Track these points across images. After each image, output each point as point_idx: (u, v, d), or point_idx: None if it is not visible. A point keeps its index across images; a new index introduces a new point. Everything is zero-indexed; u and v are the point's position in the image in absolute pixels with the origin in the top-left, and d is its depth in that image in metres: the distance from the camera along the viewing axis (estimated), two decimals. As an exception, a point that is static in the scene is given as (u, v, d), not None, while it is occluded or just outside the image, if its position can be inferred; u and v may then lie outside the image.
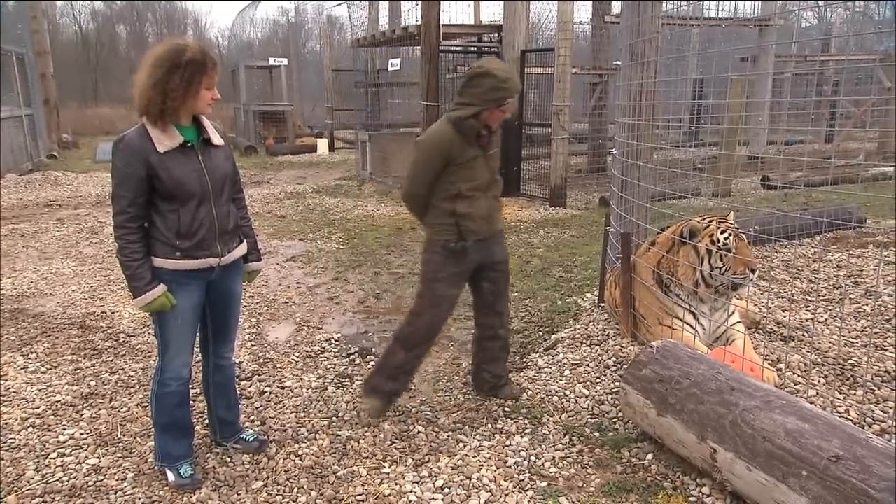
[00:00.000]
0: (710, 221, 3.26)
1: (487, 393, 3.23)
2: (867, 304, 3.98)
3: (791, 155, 9.85)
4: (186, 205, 2.30)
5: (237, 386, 3.17)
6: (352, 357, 3.83)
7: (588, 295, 4.68)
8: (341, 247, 6.51)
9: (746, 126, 9.08)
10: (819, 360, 3.26)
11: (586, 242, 6.46)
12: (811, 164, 8.60)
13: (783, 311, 3.99)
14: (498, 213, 2.95)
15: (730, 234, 3.17)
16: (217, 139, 2.42)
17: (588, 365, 3.50)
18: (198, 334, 2.56)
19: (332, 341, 4.05)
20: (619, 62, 4.26)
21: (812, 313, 3.92)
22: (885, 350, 3.33)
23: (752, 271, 3.13)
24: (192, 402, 2.77)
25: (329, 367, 3.69)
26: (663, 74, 4.35)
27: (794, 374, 3.13)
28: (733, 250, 3.15)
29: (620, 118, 4.21)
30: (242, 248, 2.59)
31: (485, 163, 2.82)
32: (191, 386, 2.63)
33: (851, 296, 4.17)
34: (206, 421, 2.87)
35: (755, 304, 4.05)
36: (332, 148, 16.62)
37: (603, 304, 4.33)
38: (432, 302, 2.89)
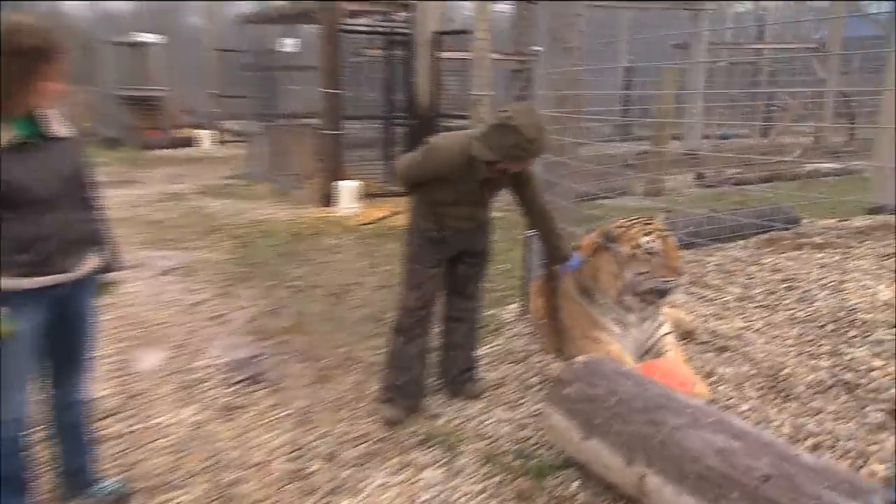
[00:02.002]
0: (634, 223, 3.39)
1: (450, 387, 3.52)
2: (802, 310, 4.26)
3: (726, 150, 10.42)
4: (26, 212, 2.17)
5: (93, 426, 3.02)
6: (238, 386, 3.74)
7: (510, 306, 4.77)
8: (229, 257, 6.37)
9: (679, 120, 9.55)
10: (753, 371, 3.46)
11: (509, 247, 6.58)
12: (746, 160, 9.14)
13: (717, 320, 4.21)
14: (484, 211, 3.29)
15: (655, 237, 3.31)
16: (62, 130, 2.29)
17: (509, 385, 3.56)
18: (41, 366, 2.42)
19: (216, 368, 3.95)
20: (539, 48, 4.38)
21: (747, 321, 4.16)
22: (819, 358, 3.58)
23: (679, 275, 3.28)
24: (33, 449, 2.61)
25: (210, 398, 3.59)
26: (589, 62, 4.50)
27: (727, 387, 3.31)
28: (659, 254, 3.28)
29: (542, 110, 4.32)
30: (96, 259, 2.46)
31: (481, 192, 3.15)
32: (34, 429, 2.48)
33: (786, 301, 4.45)
34: (54, 470, 2.71)
35: (688, 313, 4.24)
36: (218, 141, 16.22)
37: (527, 317, 4.42)
38: (413, 283, 3.26)
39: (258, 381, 3.78)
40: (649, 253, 3.28)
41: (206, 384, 3.76)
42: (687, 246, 5.64)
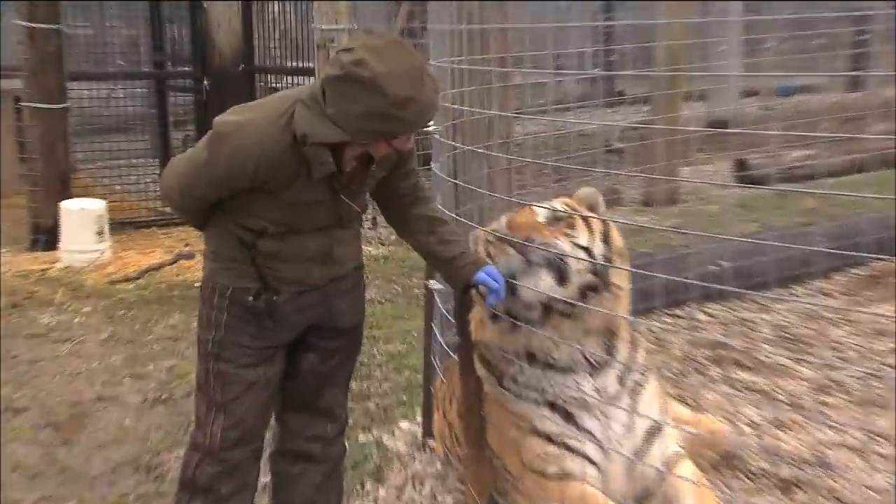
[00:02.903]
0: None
1: None
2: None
3: (787, 116, 10.76)
4: None
5: None
6: None
7: (404, 424, 4.80)
8: None
9: (699, 69, 9.84)
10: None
11: (400, 312, 6.61)
12: (824, 133, 9.47)
13: (780, 429, 4.34)
14: (350, 247, 3.33)
15: (508, 216, 3.57)
16: None
17: (404, 578, 3.56)
18: None
19: None
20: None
21: (834, 430, 4.30)
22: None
23: (521, 249, 3.39)
24: None
25: None
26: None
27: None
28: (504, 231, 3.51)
29: (436, 59, 4.40)
30: None
31: (332, 203, 3.14)
32: None
33: (901, 389, 4.64)
34: None
35: (722, 418, 4.36)
36: None
37: (432, 442, 4.44)
38: (219, 398, 3.19)
39: None
40: (499, 239, 3.51)
41: None
42: (719, 296, 5.82)
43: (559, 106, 8.32)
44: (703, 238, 6.01)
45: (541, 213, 3.50)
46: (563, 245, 3.38)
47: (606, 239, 3.51)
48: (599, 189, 6.74)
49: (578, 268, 3.38)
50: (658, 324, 5.58)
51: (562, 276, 3.37)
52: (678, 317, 5.67)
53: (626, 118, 10.55)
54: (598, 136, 9.49)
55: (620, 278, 3.50)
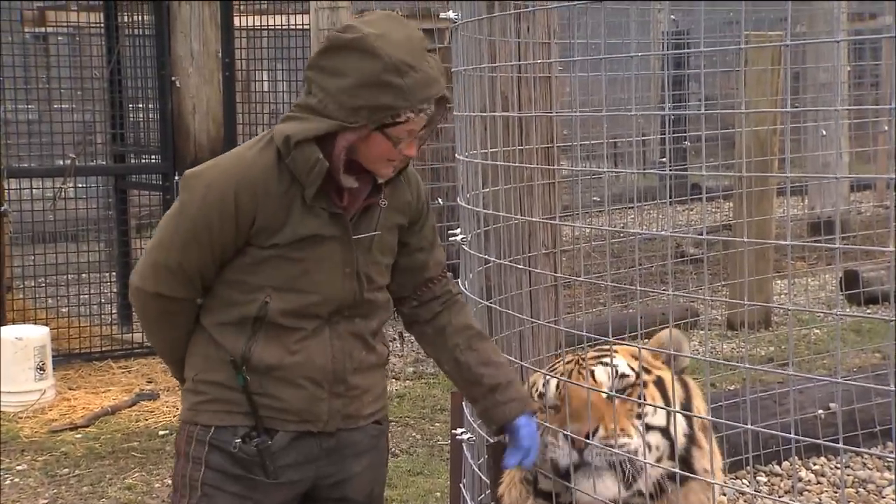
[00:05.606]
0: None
1: None
2: None
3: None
4: None
5: None
6: None
7: None
8: None
9: (795, 159, 9.76)
10: None
11: (419, 467, 6.60)
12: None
13: None
14: (369, 376, 3.34)
15: (557, 379, 3.51)
16: None
17: None
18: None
19: None
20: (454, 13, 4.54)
21: None
22: None
23: (578, 445, 3.28)
24: None
25: None
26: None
27: None
28: (557, 405, 3.47)
29: (463, 152, 4.39)
30: None
31: (342, 251, 3.19)
32: None
33: None
34: None
35: None
36: None
37: None
38: None
39: None
40: (549, 407, 3.47)
41: None
42: (828, 449, 5.72)
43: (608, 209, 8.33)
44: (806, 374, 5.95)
45: (605, 382, 3.43)
46: (634, 442, 3.30)
47: (688, 407, 3.47)
48: (671, 309, 6.71)
49: (654, 455, 3.32)
50: (748, 485, 5.49)
51: (632, 478, 3.28)
52: (776, 475, 5.60)
53: (702, 218, 10.57)
54: (668, 242, 9.49)
55: (708, 459, 3.42)
